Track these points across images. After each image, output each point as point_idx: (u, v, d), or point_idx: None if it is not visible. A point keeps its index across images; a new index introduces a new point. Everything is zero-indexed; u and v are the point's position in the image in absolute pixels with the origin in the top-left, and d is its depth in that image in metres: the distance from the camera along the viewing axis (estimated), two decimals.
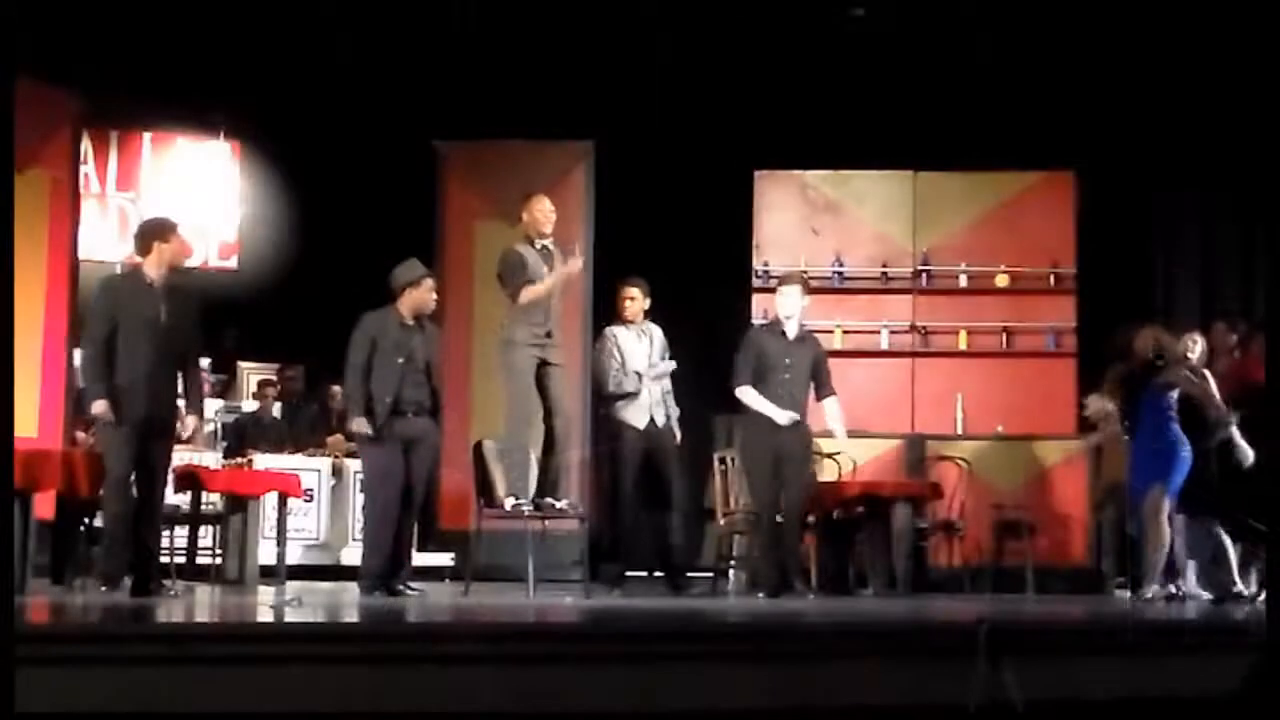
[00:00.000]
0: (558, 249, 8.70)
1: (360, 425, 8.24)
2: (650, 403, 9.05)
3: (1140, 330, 8.93)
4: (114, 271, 10.12)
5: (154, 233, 7.90)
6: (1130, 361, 8.83)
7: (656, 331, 9.25)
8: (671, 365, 9.20)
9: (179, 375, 7.91)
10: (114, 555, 7.79)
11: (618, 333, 9.09)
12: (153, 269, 7.81)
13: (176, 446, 10.63)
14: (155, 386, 7.70)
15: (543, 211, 8.62)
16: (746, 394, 8.78)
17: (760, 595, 8.65)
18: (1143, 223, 12.51)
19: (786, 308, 8.94)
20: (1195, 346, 9.03)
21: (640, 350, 9.10)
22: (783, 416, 8.67)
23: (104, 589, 7.65)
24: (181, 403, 7.92)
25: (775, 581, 8.66)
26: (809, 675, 5.53)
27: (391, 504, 8.24)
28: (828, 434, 9.25)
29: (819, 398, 8.95)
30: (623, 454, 8.97)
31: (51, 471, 8.20)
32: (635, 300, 9.12)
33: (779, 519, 8.88)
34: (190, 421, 7.89)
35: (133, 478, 7.84)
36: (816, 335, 9.37)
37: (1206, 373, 8.93)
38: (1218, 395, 8.79)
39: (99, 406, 7.71)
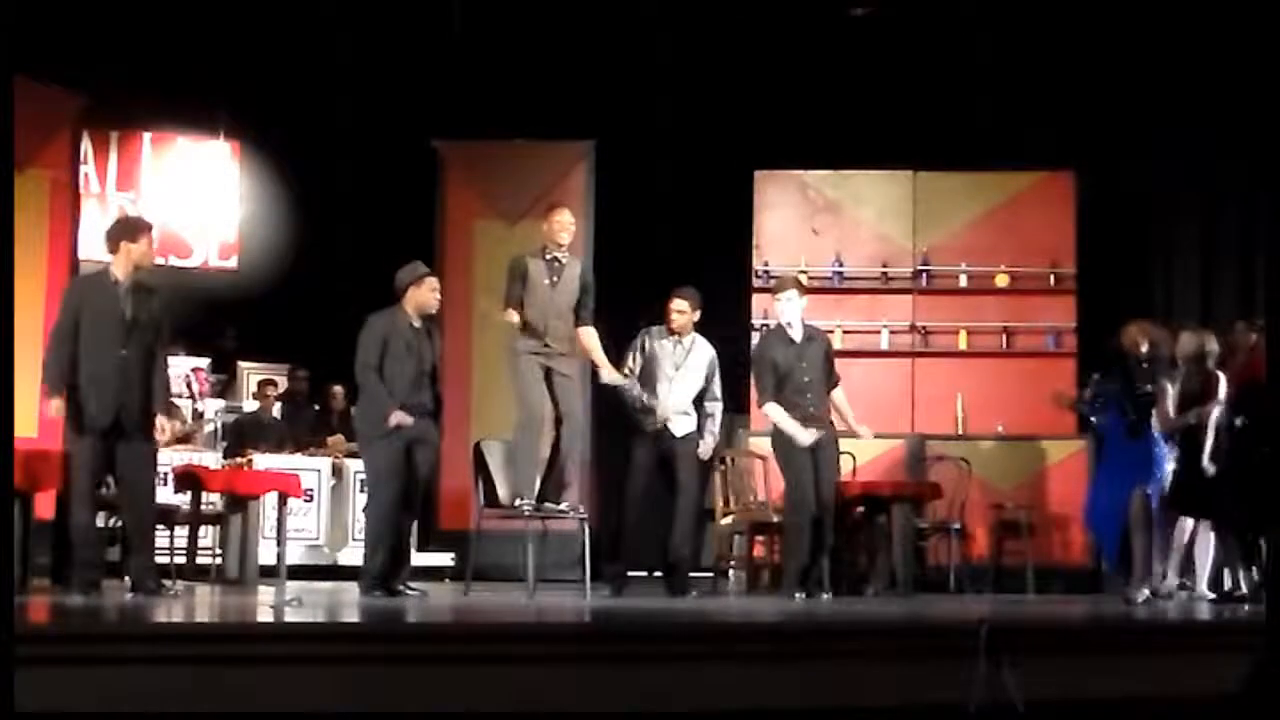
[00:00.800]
0: (570, 259, 8.69)
1: (400, 417, 8.23)
2: (668, 408, 8.96)
3: (1127, 326, 8.81)
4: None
5: (122, 232, 7.81)
6: (1119, 360, 8.72)
7: (702, 348, 9.07)
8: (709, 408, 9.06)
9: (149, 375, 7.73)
10: (86, 565, 7.62)
11: (652, 336, 9.05)
12: (119, 268, 7.70)
13: (177, 446, 10.74)
14: (119, 387, 7.57)
15: (560, 223, 8.64)
16: (771, 410, 8.79)
17: (799, 596, 8.57)
18: (1143, 223, 12.50)
19: (785, 313, 8.94)
20: (1192, 343, 8.73)
21: (673, 359, 9.01)
22: (806, 437, 8.70)
23: (82, 599, 7.53)
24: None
25: (800, 580, 8.68)
26: (809, 675, 5.53)
27: (393, 504, 8.24)
28: (851, 433, 9.23)
29: (827, 390, 8.95)
30: (633, 455, 8.94)
31: (51, 471, 8.19)
32: (683, 314, 8.98)
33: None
34: (162, 422, 7.69)
35: (107, 482, 7.80)
36: (823, 331, 9.36)
37: (1220, 373, 8.72)
38: (1223, 394, 8.62)
39: (54, 406, 7.62)
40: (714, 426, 9.09)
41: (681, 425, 8.94)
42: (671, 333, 9.01)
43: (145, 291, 7.77)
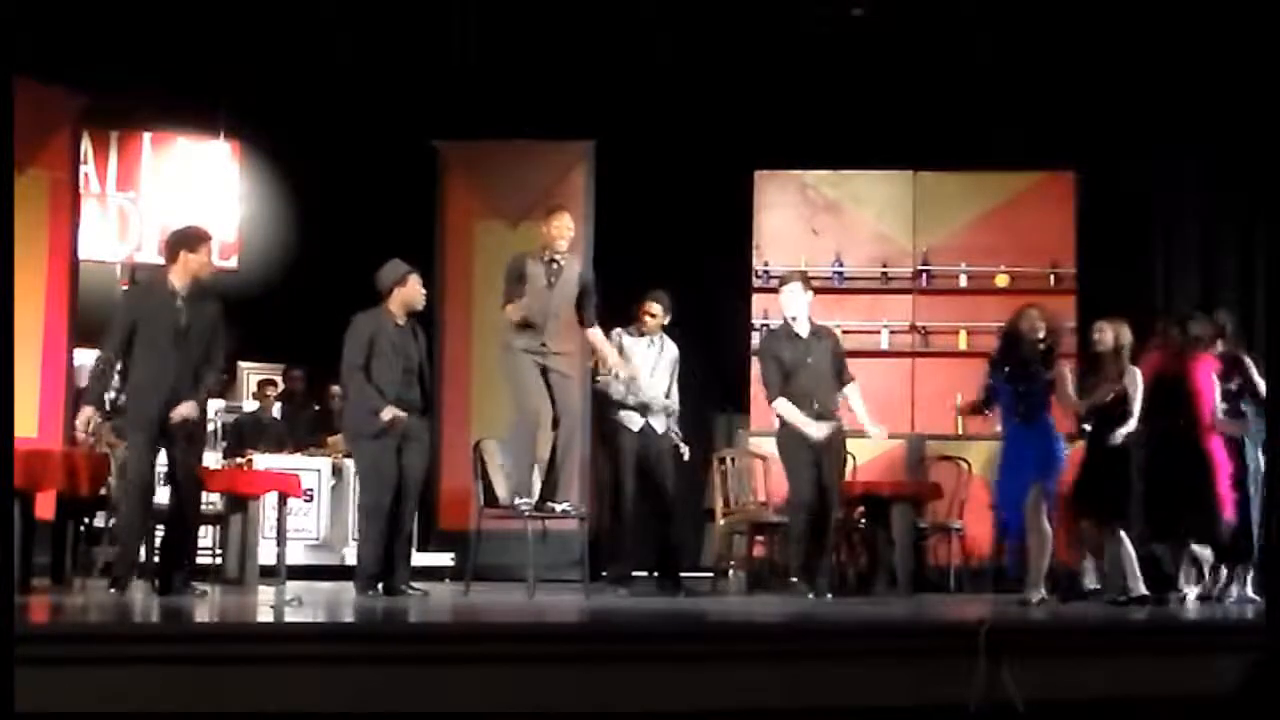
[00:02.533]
0: (568, 260, 8.70)
1: (392, 412, 8.22)
2: (648, 407, 9.04)
3: (1024, 311, 8.37)
4: (115, 274, 10.13)
5: (182, 242, 7.95)
6: (1014, 344, 8.26)
7: (670, 347, 9.23)
8: (671, 405, 9.19)
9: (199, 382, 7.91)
10: (124, 559, 7.82)
11: (624, 338, 9.10)
12: (177, 278, 7.87)
13: None
14: (175, 393, 7.72)
15: (559, 228, 8.67)
16: (780, 406, 8.79)
17: (811, 595, 8.57)
18: (1143, 223, 12.50)
19: (790, 307, 8.96)
20: (1103, 336, 8.49)
21: (647, 359, 9.09)
22: (817, 430, 8.69)
23: (112, 591, 7.65)
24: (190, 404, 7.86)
25: (810, 578, 8.67)
26: (809, 675, 5.54)
27: (384, 502, 8.24)
28: (859, 432, 9.22)
29: (838, 387, 8.91)
30: (619, 455, 8.98)
31: (51, 471, 8.23)
32: (655, 317, 9.14)
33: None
34: (183, 409, 7.74)
35: (156, 484, 7.93)
36: (831, 329, 9.37)
37: (1134, 367, 8.45)
38: (1138, 388, 8.32)
39: (83, 414, 7.85)
40: (675, 426, 9.23)
41: (661, 422, 9.07)
42: (642, 333, 9.09)
43: (202, 301, 7.90)
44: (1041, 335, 8.15)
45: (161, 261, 12.99)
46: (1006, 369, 8.24)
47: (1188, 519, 8.36)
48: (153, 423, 7.70)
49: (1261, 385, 8.58)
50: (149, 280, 8.00)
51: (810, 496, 8.68)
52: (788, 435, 8.83)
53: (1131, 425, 8.28)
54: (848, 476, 10.01)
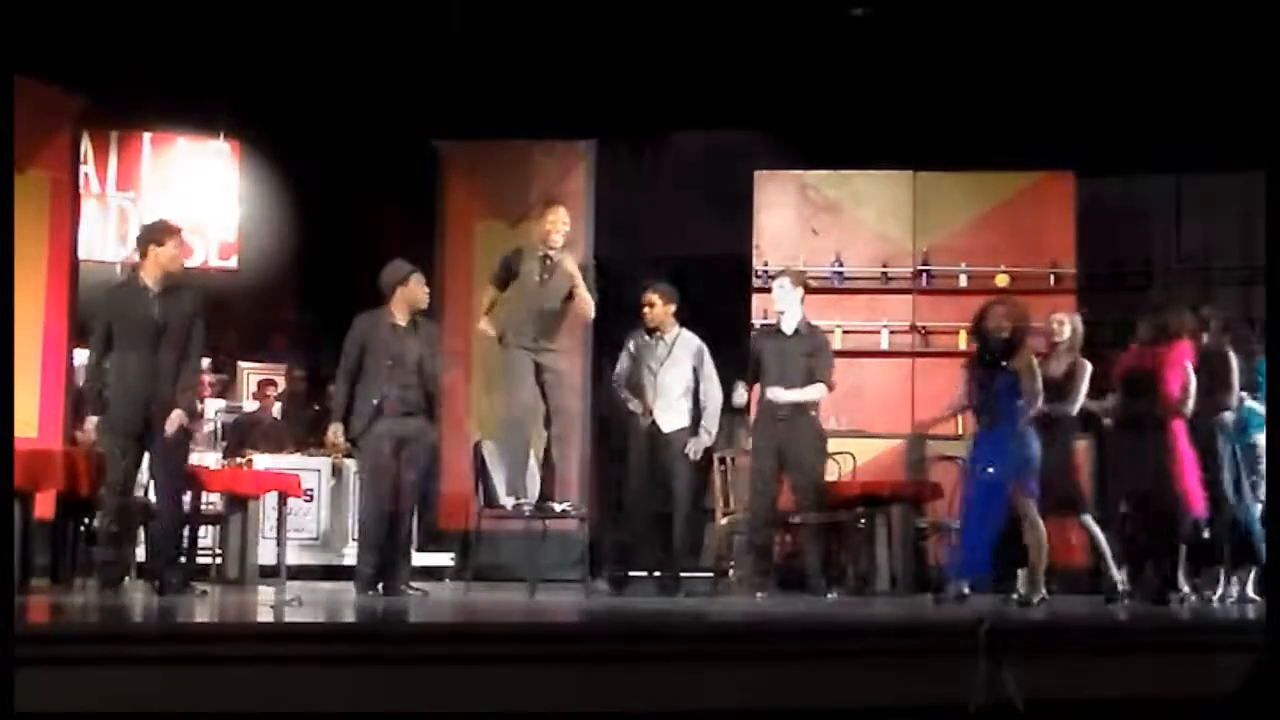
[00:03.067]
0: (561, 256, 8.70)
1: (335, 433, 8.28)
2: (655, 406, 9.02)
3: (990, 307, 8.28)
4: (114, 275, 10.14)
5: (148, 237, 7.92)
6: (981, 341, 8.16)
7: (686, 341, 9.08)
8: (706, 403, 9.05)
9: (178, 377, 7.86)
10: (110, 560, 7.81)
11: (637, 336, 9.09)
12: (148, 273, 7.84)
13: None
14: (150, 390, 7.69)
15: (553, 223, 8.71)
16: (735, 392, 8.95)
17: (759, 596, 8.64)
18: (1143, 223, 12.50)
19: (778, 302, 9.06)
20: (1062, 329, 8.54)
21: (656, 357, 9.05)
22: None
23: (102, 593, 7.64)
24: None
25: (759, 577, 8.76)
26: (809, 675, 5.54)
27: (381, 503, 8.23)
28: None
29: (806, 384, 8.92)
30: (623, 453, 9.00)
31: (51, 471, 8.22)
32: (653, 307, 9.04)
33: (783, 517, 9.03)
34: (175, 416, 7.73)
35: (141, 482, 7.90)
36: (823, 332, 9.37)
37: (1086, 362, 8.49)
38: (1085, 383, 8.35)
39: (91, 422, 7.89)
40: (708, 423, 9.03)
41: (669, 422, 8.96)
42: (652, 331, 9.04)
43: (176, 295, 7.85)
44: (1007, 334, 8.03)
45: None
46: (976, 369, 8.16)
47: (1151, 513, 8.32)
48: (131, 422, 7.67)
49: (1235, 383, 8.53)
50: (122, 279, 7.95)
51: (764, 491, 8.81)
52: (755, 429, 9.04)
53: (1054, 409, 8.25)
54: (847, 476, 10.05)
